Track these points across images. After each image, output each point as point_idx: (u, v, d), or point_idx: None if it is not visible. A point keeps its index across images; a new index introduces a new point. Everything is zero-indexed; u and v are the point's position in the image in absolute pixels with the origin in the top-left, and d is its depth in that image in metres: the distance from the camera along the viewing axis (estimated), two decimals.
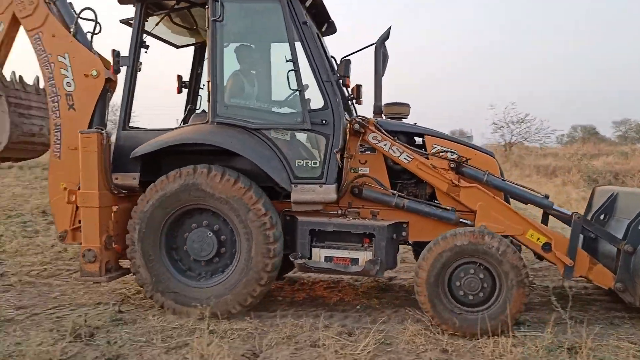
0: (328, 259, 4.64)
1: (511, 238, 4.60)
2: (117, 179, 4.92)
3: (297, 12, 4.71)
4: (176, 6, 5.25)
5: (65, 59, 5.02)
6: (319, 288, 5.78)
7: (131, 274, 4.90)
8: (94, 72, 5.00)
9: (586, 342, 3.77)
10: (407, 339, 4.08)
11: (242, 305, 4.60)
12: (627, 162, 20.59)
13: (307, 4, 4.93)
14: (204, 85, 5.61)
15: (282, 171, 4.68)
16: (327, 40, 5.83)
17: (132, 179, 4.91)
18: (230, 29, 4.86)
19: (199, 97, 5.98)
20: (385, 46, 5.04)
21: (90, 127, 4.97)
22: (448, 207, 4.74)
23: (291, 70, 4.66)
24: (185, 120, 5.93)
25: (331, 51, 5.53)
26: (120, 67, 5.01)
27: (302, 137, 4.83)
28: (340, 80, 4.91)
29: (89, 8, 5.13)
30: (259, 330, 4.32)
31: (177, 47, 6.01)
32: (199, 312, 4.51)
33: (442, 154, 4.81)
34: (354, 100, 5.56)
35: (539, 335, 4.10)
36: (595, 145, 30.22)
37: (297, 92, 4.70)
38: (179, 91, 5.79)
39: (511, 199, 5.00)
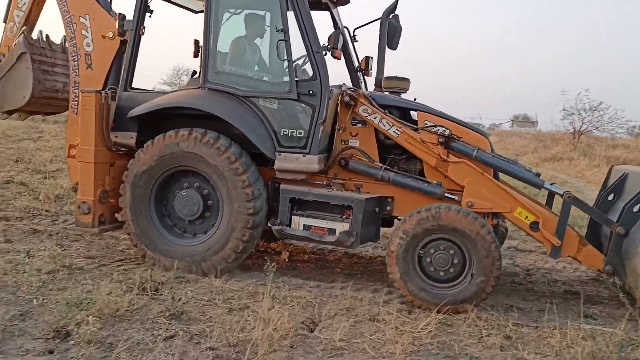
0: (306, 227, 4.69)
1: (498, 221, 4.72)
2: (116, 137, 5.10)
3: None
4: None
5: (86, 20, 5.26)
6: (377, 263, 5.73)
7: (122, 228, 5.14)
8: (110, 34, 5.20)
9: None
10: (469, 321, 3.98)
11: (227, 261, 4.74)
12: None
13: None
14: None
15: (267, 139, 4.73)
16: (342, 10, 5.78)
17: (129, 138, 5.08)
18: None
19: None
20: (397, 18, 5.07)
21: (105, 86, 5.20)
22: (434, 182, 4.67)
23: (281, 40, 4.66)
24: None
25: (346, 22, 5.58)
26: (125, 30, 5.11)
27: (289, 106, 4.81)
28: (328, 52, 4.78)
29: None
30: (318, 300, 4.33)
31: (195, 12, 6.06)
32: (184, 265, 4.76)
33: (434, 129, 4.71)
34: (362, 72, 5.58)
35: (609, 330, 3.91)
36: None
37: (286, 62, 4.69)
38: (195, 55, 5.74)
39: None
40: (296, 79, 4.72)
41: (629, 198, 4.45)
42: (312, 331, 3.73)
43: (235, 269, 4.97)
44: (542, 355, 3.53)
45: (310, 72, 4.76)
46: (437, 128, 4.73)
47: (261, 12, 5.28)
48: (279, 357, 3.25)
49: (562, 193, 4.57)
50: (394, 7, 5.04)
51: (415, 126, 4.77)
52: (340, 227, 4.58)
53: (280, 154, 4.75)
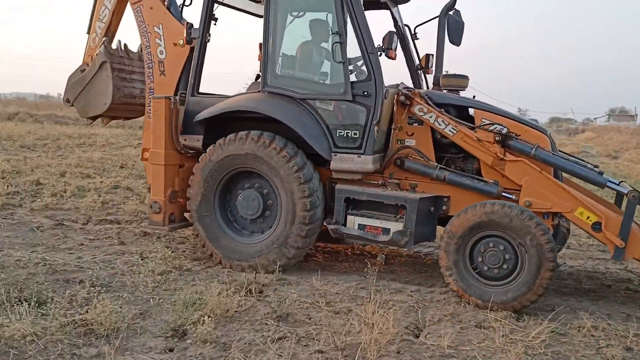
0: (361, 226, 4.77)
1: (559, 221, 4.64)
2: (185, 140, 5.35)
3: None
4: None
5: (159, 29, 5.56)
6: None
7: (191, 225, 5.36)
8: (181, 42, 5.45)
9: None
10: (584, 331, 3.78)
11: (288, 257, 4.88)
12: None
13: None
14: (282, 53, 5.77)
15: (324, 140, 4.83)
16: (402, 9, 5.83)
17: (196, 140, 5.32)
18: (284, 3, 5.07)
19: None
20: (458, 13, 5.07)
21: (176, 91, 5.47)
22: (491, 180, 4.63)
23: (337, 42, 4.71)
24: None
25: (407, 20, 5.69)
26: (192, 38, 5.35)
27: (344, 107, 4.84)
28: (383, 53, 4.79)
29: None
30: (420, 305, 4.28)
31: (259, 16, 6.05)
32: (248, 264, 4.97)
33: (491, 127, 4.62)
34: (422, 70, 5.65)
35: None
36: None
37: (342, 64, 4.74)
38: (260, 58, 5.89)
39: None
40: (352, 80, 4.79)
41: None
42: (417, 337, 3.69)
43: (333, 272, 5.03)
44: None
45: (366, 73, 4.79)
46: (495, 126, 4.64)
47: (321, 16, 5.35)
48: None
49: (626, 192, 4.35)
50: (453, 3, 5.07)
51: (472, 124, 4.71)
52: (395, 226, 4.63)
53: (336, 155, 4.84)
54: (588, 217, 4.29)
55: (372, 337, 3.38)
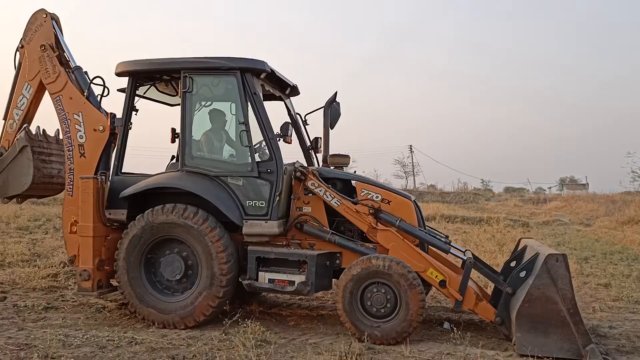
0: (271, 280, 5.62)
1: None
2: (110, 214, 6.00)
3: (249, 85, 5.71)
4: (158, 80, 6.47)
5: (79, 116, 6.18)
6: None
7: (117, 291, 5.94)
8: (101, 127, 6.12)
9: None
10: None
11: (205, 314, 5.55)
12: None
13: (262, 76, 5.94)
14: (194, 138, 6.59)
15: (236, 210, 5.69)
16: (294, 100, 7.05)
17: (121, 214, 5.99)
18: (198, 96, 5.99)
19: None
20: (337, 104, 6.39)
21: (96, 171, 6.07)
22: (370, 246, 5.75)
23: (243, 130, 5.70)
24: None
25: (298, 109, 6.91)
26: (115, 126, 6.11)
27: (251, 182, 5.77)
28: (281, 139, 5.84)
29: (99, 77, 6.31)
30: None
31: (171, 105, 7.12)
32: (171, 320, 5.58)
33: (365, 200, 5.81)
34: (313, 151, 6.82)
35: None
36: None
37: (248, 147, 5.70)
38: (172, 141, 6.69)
39: None
40: (257, 160, 5.73)
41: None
42: None
43: (415, 338, 5.29)
44: None
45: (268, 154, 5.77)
46: (371, 194, 5.84)
47: (224, 106, 6.32)
48: None
49: (465, 258, 5.60)
50: (334, 98, 6.30)
51: (353, 198, 5.83)
52: (298, 278, 5.49)
53: (247, 221, 5.68)
54: (436, 276, 5.42)
55: None
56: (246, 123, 5.68)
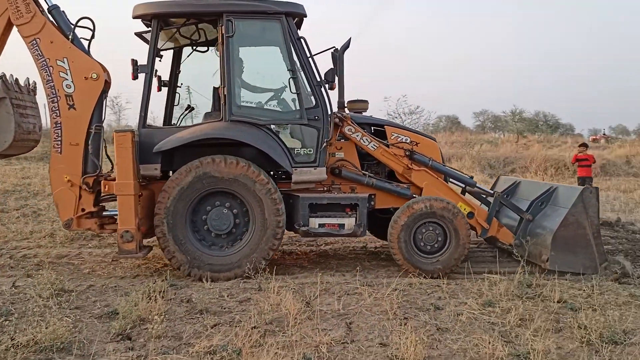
0: (321, 225, 5.87)
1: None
2: (141, 170, 5.65)
3: (292, 30, 5.75)
4: (187, 23, 6.08)
5: (64, 63, 5.50)
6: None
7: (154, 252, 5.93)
8: (94, 75, 5.53)
9: None
10: None
11: (266, 259, 5.62)
12: (496, 149, 23.77)
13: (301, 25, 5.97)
14: (181, 84, 6.72)
15: (285, 158, 5.74)
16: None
17: (154, 169, 5.68)
18: (240, 41, 5.81)
19: (177, 94, 6.83)
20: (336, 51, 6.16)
21: (90, 125, 5.56)
22: (405, 185, 6.21)
23: (291, 77, 5.74)
24: (168, 115, 6.83)
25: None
26: (139, 74, 5.70)
27: (299, 130, 5.94)
28: (328, 85, 5.93)
29: (87, 17, 5.65)
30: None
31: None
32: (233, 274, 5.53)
33: (399, 143, 6.22)
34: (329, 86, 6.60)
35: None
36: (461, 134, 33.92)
37: (297, 94, 5.75)
38: (159, 89, 6.46)
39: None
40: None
41: (521, 198, 6.72)
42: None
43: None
44: None
45: (313, 101, 5.82)
46: (401, 137, 6.27)
47: (266, 51, 6.26)
48: None
49: (492, 192, 6.45)
50: (348, 43, 6.00)
51: (385, 141, 6.19)
52: (348, 221, 5.83)
53: (296, 169, 5.76)
54: (464, 209, 6.11)
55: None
56: (294, 70, 5.66)
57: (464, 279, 5.59)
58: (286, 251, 7.19)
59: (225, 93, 5.67)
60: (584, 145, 12.39)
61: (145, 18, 5.81)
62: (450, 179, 6.57)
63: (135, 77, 5.72)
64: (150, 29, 5.78)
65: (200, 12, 5.83)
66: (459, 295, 5.06)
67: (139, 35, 6.12)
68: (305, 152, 5.88)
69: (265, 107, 6.20)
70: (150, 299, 4.61)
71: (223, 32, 5.62)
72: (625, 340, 3.94)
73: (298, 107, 5.82)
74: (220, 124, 5.74)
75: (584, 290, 5.16)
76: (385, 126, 6.40)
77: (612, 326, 4.09)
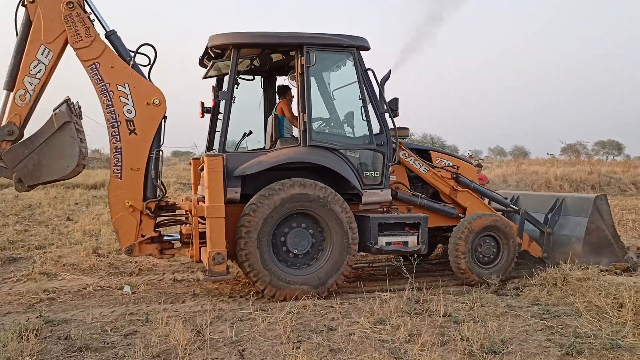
0: (388, 243, 6.25)
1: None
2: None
3: (361, 62, 6.25)
4: (264, 52, 6.40)
5: (125, 88, 5.56)
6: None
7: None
8: (157, 101, 5.63)
9: None
10: None
11: (345, 274, 5.99)
12: None
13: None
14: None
15: (357, 180, 6.16)
16: None
17: (234, 192, 5.84)
18: (316, 71, 6.45)
19: (218, 121, 6.80)
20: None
21: (151, 150, 5.65)
22: (451, 205, 6.96)
23: (362, 105, 6.24)
24: (210, 142, 7.06)
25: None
26: (220, 100, 6.01)
27: (367, 154, 6.41)
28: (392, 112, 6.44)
29: (148, 44, 5.73)
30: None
31: (203, 78, 6.99)
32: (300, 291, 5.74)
33: (445, 167, 7.01)
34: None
35: None
36: None
37: (366, 122, 6.23)
38: (202, 116, 6.74)
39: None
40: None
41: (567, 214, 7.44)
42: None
43: (95, 303, 5.45)
44: None
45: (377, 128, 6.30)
46: (444, 162, 7.02)
47: (338, 81, 6.74)
48: None
49: (519, 210, 7.20)
50: (388, 75, 6.46)
51: (432, 164, 6.91)
52: (410, 239, 6.25)
53: (366, 191, 6.17)
54: None
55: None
56: (364, 99, 6.13)
57: (356, 299, 5.71)
58: (177, 279, 6.93)
59: (305, 120, 5.98)
60: (479, 165, 13.10)
61: (223, 47, 6.01)
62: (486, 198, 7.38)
63: (216, 104, 6.15)
64: (222, 58, 6.21)
65: (280, 44, 6.12)
66: (351, 314, 5.18)
67: (211, 61, 6.34)
68: (373, 175, 6.32)
69: (340, 133, 6.54)
70: (22, 338, 4.33)
71: (303, 62, 5.95)
72: (503, 350, 4.22)
73: (368, 133, 6.25)
74: (301, 149, 6.04)
75: (467, 303, 5.48)
76: (430, 151, 7.13)
77: (492, 336, 4.38)
